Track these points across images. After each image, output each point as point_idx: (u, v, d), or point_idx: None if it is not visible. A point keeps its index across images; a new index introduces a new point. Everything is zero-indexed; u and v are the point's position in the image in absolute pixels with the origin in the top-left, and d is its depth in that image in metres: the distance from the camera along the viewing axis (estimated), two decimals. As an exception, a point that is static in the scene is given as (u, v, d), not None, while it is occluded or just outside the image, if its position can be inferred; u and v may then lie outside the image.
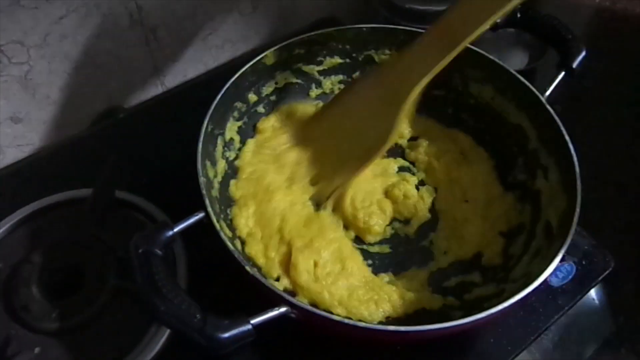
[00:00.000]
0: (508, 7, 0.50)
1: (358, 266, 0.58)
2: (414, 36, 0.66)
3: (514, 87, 0.62)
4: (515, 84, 0.62)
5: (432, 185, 0.66)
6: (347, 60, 0.70)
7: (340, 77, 0.71)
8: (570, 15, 1.01)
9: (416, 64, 0.56)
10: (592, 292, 0.64)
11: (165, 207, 0.63)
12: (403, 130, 0.70)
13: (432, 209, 0.65)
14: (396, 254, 0.61)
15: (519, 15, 0.66)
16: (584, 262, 0.62)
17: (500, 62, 0.63)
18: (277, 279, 0.56)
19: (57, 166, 0.71)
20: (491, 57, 0.64)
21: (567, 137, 0.56)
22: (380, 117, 0.58)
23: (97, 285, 0.58)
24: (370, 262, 0.60)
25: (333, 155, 0.62)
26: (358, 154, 0.60)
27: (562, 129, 0.56)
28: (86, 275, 0.59)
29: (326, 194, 0.61)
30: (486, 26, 0.51)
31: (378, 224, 0.61)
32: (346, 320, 0.43)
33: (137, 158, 0.71)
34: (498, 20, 0.68)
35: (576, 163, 0.54)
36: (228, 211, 0.58)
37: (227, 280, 0.52)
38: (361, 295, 0.55)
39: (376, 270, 0.59)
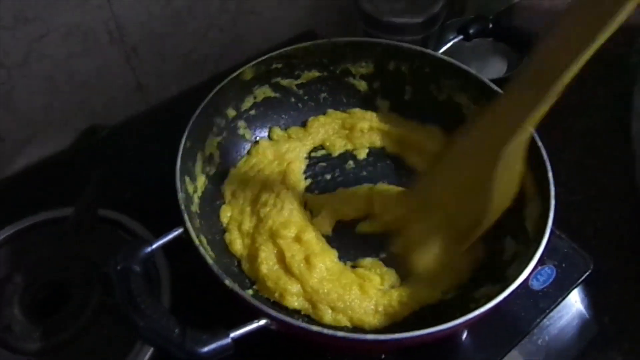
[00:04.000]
0: (602, 39, 0.39)
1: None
2: (389, 48, 0.68)
3: (488, 96, 0.63)
4: (489, 92, 0.62)
5: None
6: (325, 73, 0.70)
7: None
8: (543, 24, 1.03)
9: (506, 121, 0.46)
10: (575, 294, 0.64)
11: (148, 224, 0.64)
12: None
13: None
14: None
15: (491, 26, 0.68)
16: (564, 265, 0.62)
17: (473, 71, 0.64)
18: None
19: (41, 185, 0.71)
20: (464, 67, 0.64)
21: (539, 143, 0.56)
22: (474, 192, 0.50)
23: (80, 303, 0.58)
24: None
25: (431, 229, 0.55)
26: (459, 229, 0.53)
27: (535, 135, 0.57)
28: (69, 293, 0.58)
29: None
30: (580, 63, 0.41)
31: None
32: (325, 331, 0.44)
33: (120, 175, 0.71)
34: (471, 31, 0.70)
35: (549, 168, 0.55)
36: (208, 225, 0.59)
37: (211, 293, 0.52)
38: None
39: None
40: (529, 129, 0.46)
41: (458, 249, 0.53)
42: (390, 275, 0.58)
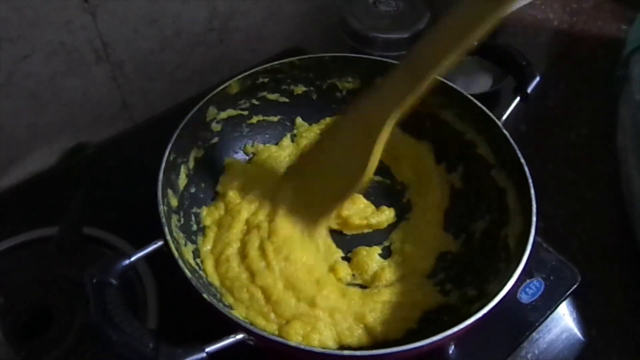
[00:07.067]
0: (470, 43, 0.48)
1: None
2: (375, 64, 0.69)
3: (472, 112, 0.63)
4: (473, 109, 0.63)
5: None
6: (311, 88, 0.71)
7: (306, 104, 0.72)
8: (530, 39, 1.05)
9: (385, 101, 0.55)
10: (563, 307, 0.64)
11: (134, 241, 0.63)
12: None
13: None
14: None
15: (475, 44, 0.68)
16: (551, 278, 0.62)
17: (457, 87, 0.64)
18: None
19: (25, 205, 0.70)
20: (449, 83, 0.64)
21: (522, 160, 0.56)
22: (355, 156, 0.58)
23: (64, 325, 0.57)
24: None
25: (313, 194, 0.63)
26: (337, 190, 0.60)
27: (518, 152, 0.57)
28: (53, 315, 0.57)
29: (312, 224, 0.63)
30: (450, 60, 0.50)
31: None
32: (302, 346, 0.43)
33: (105, 193, 0.70)
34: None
35: (532, 185, 0.54)
36: (193, 237, 0.59)
37: (197, 306, 0.52)
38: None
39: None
40: (399, 113, 0.53)
41: (332, 207, 0.62)
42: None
